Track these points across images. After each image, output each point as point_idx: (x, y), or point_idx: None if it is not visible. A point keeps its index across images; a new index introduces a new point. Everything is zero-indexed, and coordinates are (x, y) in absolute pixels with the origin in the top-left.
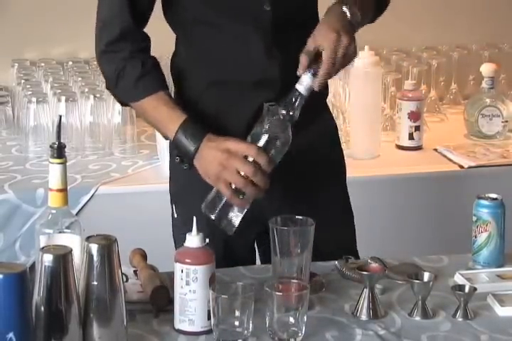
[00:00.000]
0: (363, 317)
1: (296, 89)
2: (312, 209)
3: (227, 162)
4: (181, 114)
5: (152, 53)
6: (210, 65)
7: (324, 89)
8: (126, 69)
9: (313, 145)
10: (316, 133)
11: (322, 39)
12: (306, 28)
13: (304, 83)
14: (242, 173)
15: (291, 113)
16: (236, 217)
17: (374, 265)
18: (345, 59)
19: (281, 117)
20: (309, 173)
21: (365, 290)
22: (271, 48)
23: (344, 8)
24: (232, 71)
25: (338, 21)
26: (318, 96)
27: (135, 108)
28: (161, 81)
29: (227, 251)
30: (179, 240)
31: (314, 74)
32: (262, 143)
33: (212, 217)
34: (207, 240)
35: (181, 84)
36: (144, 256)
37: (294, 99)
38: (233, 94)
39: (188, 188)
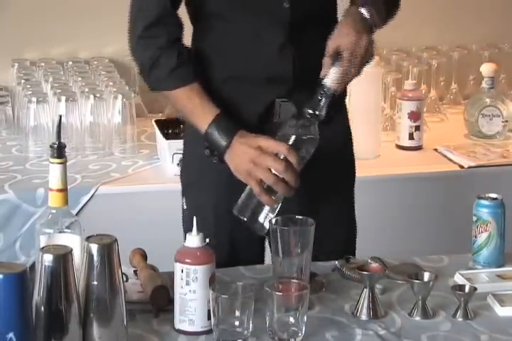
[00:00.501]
0: (363, 317)
1: (322, 88)
2: (316, 206)
3: (259, 159)
4: (215, 108)
5: None
6: (224, 60)
7: (343, 90)
8: (161, 59)
9: (328, 143)
10: (332, 131)
11: (342, 40)
12: (323, 26)
13: (330, 80)
14: (273, 171)
15: (317, 112)
16: (267, 217)
17: (374, 265)
18: (363, 59)
19: (309, 117)
20: (321, 170)
21: (365, 290)
22: (285, 45)
23: (362, 10)
24: (246, 66)
25: (356, 22)
26: (339, 96)
27: (166, 95)
28: (196, 72)
29: (234, 249)
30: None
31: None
32: (290, 142)
33: (245, 218)
34: (207, 240)
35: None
36: (144, 255)
37: (320, 98)
38: (246, 90)
39: (198, 182)
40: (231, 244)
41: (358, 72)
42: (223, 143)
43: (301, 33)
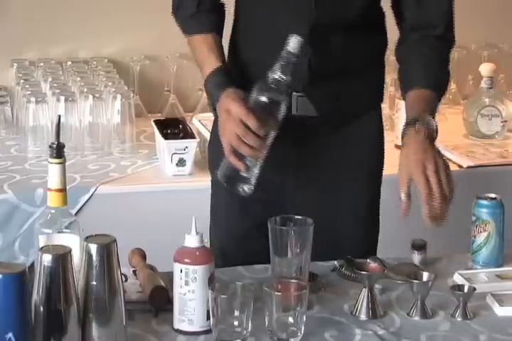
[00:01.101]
0: (362, 316)
1: (287, 54)
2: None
3: (225, 122)
4: (217, 60)
5: (152, 53)
6: (248, 55)
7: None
8: (184, 3)
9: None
10: (365, 137)
11: (411, 175)
12: (349, 30)
13: (291, 45)
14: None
15: (283, 77)
16: (245, 179)
17: (373, 265)
18: (444, 182)
19: (275, 81)
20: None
21: (364, 289)
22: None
23: (418, 126)
24: (265, 60)
25: (417, 150)
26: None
27: (188, 42)
28: (213, 24)
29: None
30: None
31: None
32: (252, 105)
33: (225, 183)
34: (206, 240)
35: (230, 57)
36: (143, 255)
37: (283, 63)
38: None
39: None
40: (244, 243)
41: (445, 197)
42: (214, 97)
43: (321, 35)
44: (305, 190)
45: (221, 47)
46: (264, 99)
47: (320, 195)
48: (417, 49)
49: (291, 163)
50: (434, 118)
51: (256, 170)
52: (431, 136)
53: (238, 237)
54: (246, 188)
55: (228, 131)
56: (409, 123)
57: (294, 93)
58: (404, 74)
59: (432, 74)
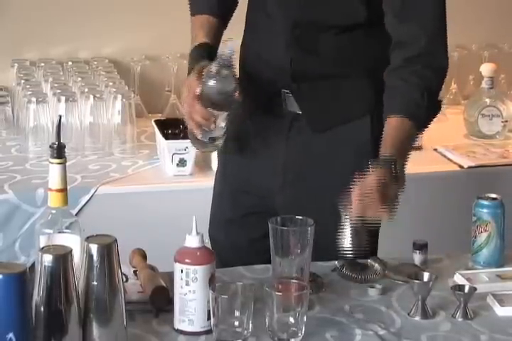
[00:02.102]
0: (346, 245)
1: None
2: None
3: (182, 96)
4: (203, 37)
5: (153, 53)
6: (247, 51)
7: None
8: None
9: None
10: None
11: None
12: (344, 32)
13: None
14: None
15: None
16: (212, 138)
17: None
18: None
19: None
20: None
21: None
22: (288, 43)
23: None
24: (256, 57)
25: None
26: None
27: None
28: (211, 6)
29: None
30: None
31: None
32: (204, 80)
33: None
34: (206, 240)
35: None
36: (143, 256)
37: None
38: (258, 76)
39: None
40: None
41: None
42: (188, 69)
43: (311, 34)
44: (293, 189)
45: (213, 28)
46: (211, 83)
47: (306, 195)
48: (398, 73)
49: (279, 162)
50: (406, 154)
51: (220, 129)
52: (393, 177)
53: (226, 225)
54: (215, 144)
55: (184, 104)
56: (378, 161)
57: (283, 90)
58: (384, 100)
59: (407, 102)
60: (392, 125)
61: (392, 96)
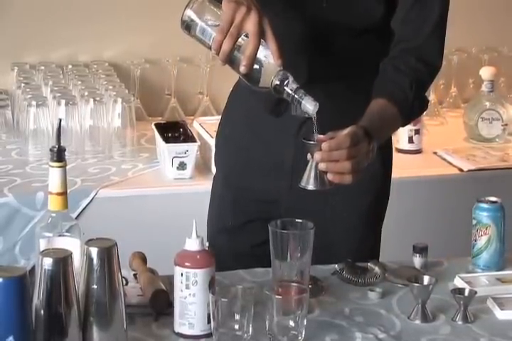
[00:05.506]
0: (310, 186)
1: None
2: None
3: (231, 11)
4: None
5: (152, 56)
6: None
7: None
8: None
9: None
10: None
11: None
12: (361, 35)
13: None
14: None
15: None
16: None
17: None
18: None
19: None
20: None
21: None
22: (303, 43)
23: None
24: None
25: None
26: None
27: None
28: None
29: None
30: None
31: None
32: None
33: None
34: (207, 243)
35: None
36: (143, 259)
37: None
38: None
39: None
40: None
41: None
42: None
43: (322, 35)
44: (302, 193)
45: None
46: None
47: (315, 199)
48: (392, 61)
49: (287, 166)
50: (381, 133)
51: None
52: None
53: (227, 232)
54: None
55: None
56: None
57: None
58: (374, 85)
59: (396, 88)
60: (379, 103)
61: (382, 81)
